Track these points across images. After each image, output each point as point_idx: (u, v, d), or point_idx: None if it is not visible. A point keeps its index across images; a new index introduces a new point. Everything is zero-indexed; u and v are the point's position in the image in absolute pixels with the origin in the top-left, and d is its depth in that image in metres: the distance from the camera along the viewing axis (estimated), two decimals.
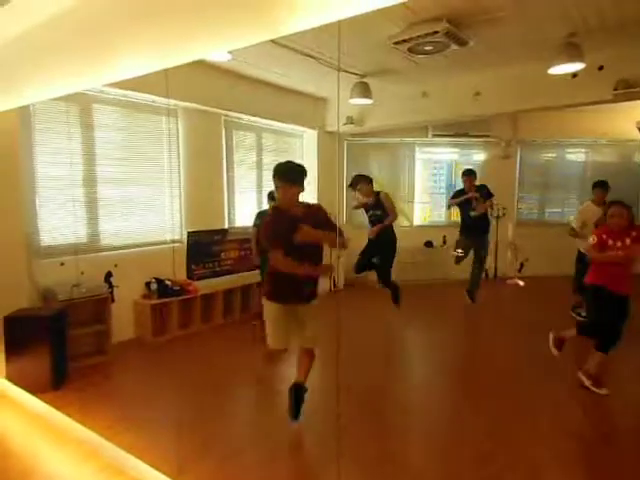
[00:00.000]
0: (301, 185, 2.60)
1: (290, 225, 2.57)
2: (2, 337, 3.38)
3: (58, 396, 3.27)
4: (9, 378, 3.41)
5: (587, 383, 3.35)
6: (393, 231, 5.12)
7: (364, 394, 3.46)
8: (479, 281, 5.76)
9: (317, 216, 2.72)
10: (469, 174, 5.59)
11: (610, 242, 3.26)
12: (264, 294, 2.88)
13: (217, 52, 2.61)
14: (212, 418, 3.07)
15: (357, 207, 5.34)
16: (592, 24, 3.78)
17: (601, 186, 4.95)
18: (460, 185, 5.79)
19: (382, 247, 5.10)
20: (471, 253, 5.72)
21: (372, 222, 5.10)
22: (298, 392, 2.89)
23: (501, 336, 4.94)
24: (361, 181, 4.89)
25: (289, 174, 2.56)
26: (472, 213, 5.52)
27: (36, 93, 2.88)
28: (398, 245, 5.17)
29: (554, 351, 3.60)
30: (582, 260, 4.67)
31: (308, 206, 2.76)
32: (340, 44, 3.91)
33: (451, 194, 6.05)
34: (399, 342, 4.87)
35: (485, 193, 5.56)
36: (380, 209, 5.00)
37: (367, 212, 5.12)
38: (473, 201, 5.49)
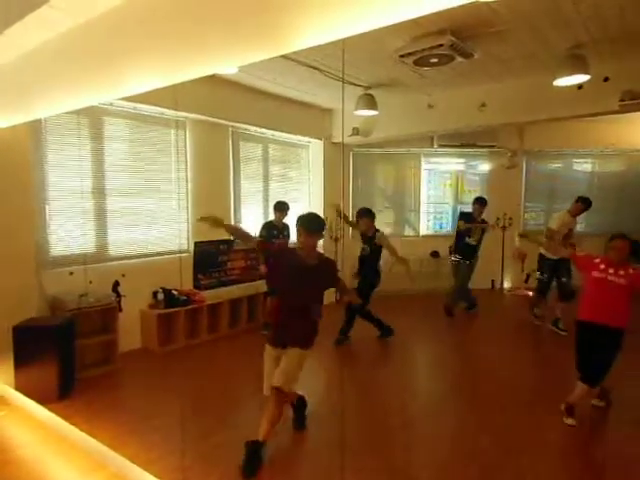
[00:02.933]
0: (321, 235, 2.77)
1: (304, 274, 2.70)
2: (11, 347, 3.41)
3: (65, 406, 3.29)
4: (17, 387, 3.44)
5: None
6: (373, 268, 4.85)
7: (367, 406, 3.44)
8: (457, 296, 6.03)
9: (327, 270, 2.86)
10: (482, 203, 5.80)
11: (602, 266, 3.13)
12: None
13: (225, 68, 2.66)
14: (218, 429, 3.07)
15: (353, 227, 5.24)
16: (596, 36, 3.80)
17: (583, 202, 5.22)
18: (463, 191, 5.91)
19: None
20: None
21: (361, 256, 4.90)
22: (254, 449, 2.60)
23: (506, 348, 4.90)
24: (365, 215, 4.87)
25: (313, 225, 2.70)
26: (470, 241, 5.80)
27: (47, 108, 2.95)
28: (403, 256, 5.02)
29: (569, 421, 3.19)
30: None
31: (323, 259, 2.87)
32: (345, 57, 3.97)
33: (458, 215, 6.22)
34: (403, 353, 4.84)
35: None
36: (369, 246, 4.78)
37: (363, 242, 4.91)
38: (472, 229, 5.78)
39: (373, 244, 4.78)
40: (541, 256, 5.40)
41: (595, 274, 3.14)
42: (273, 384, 2.67)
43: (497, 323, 5.91)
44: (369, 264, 4.84)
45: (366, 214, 4.85)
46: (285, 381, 2.66)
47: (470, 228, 5.76)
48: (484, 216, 5.90)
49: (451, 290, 6.05)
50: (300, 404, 3.08)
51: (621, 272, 3.05)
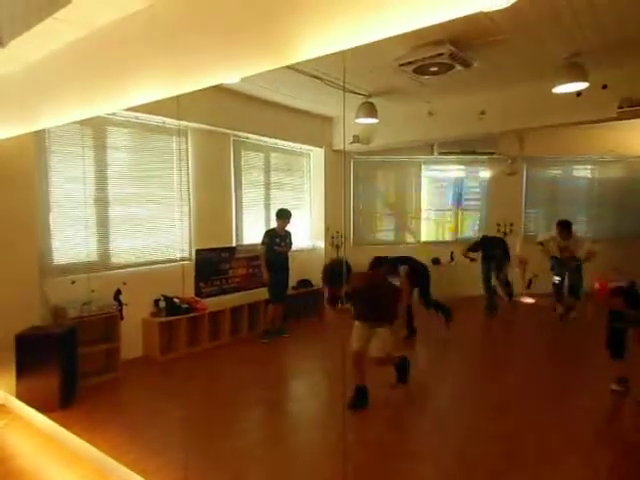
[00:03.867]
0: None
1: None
2: (13, 355, 3.42)
3: (67, 414, 3.28)
4: (19, 396, 3.43)
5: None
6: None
7: (372, 411, 3.43)
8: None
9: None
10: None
11: None
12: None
13: (228, 79, 2.69)
14: (221, 438, 3.06)
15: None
16: (594, 44, 3.83)
17: (564, 226, 5.90)
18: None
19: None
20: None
21: None
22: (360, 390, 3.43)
23: (507, 354, 4.89)
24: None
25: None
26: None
27: (51, 119, 2.98)
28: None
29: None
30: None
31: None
32: (346, 66, 4.00)
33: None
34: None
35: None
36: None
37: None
38: None
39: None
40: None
41: None
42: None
43: (500, 329, 5.89)
44: None
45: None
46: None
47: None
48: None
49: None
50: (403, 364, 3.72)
51: None
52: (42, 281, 3.83)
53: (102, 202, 4.38)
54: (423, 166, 7.67)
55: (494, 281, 6.37)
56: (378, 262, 5.26)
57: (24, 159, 3.59)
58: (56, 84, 2.77)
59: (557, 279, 6.03)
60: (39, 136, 3.78)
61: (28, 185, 3.64)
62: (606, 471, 2.68)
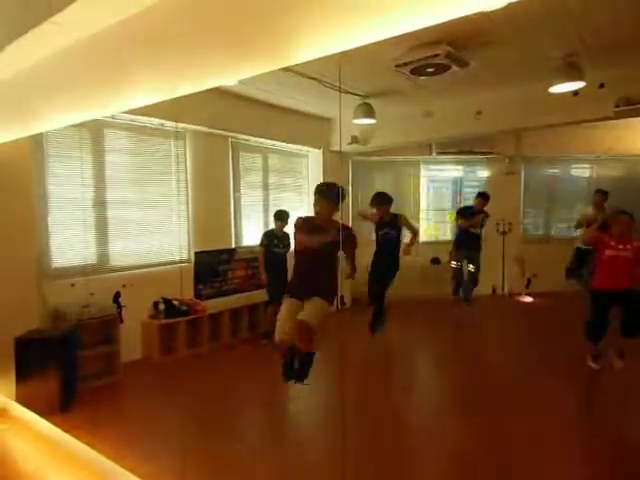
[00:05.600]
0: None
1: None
2: (12, 359, 3.41)
3: (67, 418, 3.28)
4: (19, 400, 3.43)
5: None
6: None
7: (369, 413, 3.43)
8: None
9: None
10: (485, 197, 6.11)
11: (612, 243, 3.75)
12: None
13: (226, 81, 2.70)
14: (221, 440, 3.06)
15: (366, 218, 5.30)
16: (591, 43, 3.84)
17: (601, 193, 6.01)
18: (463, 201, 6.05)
19: (389, 266, 5.00)
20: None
21: (385, 240, 4.96)
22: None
23: (507, 353, 4.89)
24: (383, 201, 4.93)
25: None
26: (475, 231, 6.08)
27: (48, 122, 2.97)
28: (403, 262, 5.13)
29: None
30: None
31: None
32: (342, 68, 4.01)
33: (458, 209, 6.48)
34: (406, 360, 4.83)
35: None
36: (396, 230, 4.93)
37: (379, 229, 4.99)
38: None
39: (396, 225, 4.94)
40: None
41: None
42: (298, 317, 2.81)
43: (499, 329, 5.90)
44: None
45: (384, 199, 4.93)
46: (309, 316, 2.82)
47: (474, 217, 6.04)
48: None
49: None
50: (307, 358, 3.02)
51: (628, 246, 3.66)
52: (41, 284, 3.83)
53: (101, 205, 4.38)
54: (422, 166, 7.68)
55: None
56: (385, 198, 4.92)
57: (21, 162, 3.59)
58: (53, 87, 2.77)
59: None
60: (37, 139, 3.78)
61: (26, 188, 3.64)
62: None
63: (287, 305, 2.96)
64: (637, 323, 3.62)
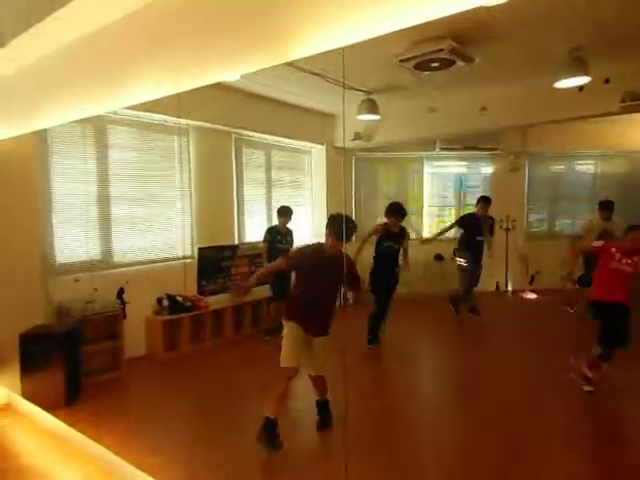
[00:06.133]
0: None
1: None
2: (17, 354, 3.44)
3: (71, 412, 3.30)
4: (24, 394, 3.45)
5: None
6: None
7: (372, 412, 3.43)
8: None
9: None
10: (488, 201, 5.82)
11: (617, 255, 3.50)
12: None
13: (228, 76, 2.69)
14: (225, 435, 3.07)
15: (372, 234, 4.91)
16: (596, 38, 3.81)
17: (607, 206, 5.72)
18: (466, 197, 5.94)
19: (394, 280, 4.87)
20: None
21: (387, 253, 4.78)
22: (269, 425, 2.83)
23: (509, 350, 4.88)
24: (400, 211, 4.75)
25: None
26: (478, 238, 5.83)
27: (52, 118, 2.98)
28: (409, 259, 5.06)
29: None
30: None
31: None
32: (346, 63, 3.99)
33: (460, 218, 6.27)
34: (408, 357, 4.82)
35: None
36: (398, 244, 4.80)
37: (383, 241, 4.78)
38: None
39: (400, 240, 4.79)
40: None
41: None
42: (318, 373, 2.98)
43: (503, 325, 5.89)
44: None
45: (399, 211, 4.74)
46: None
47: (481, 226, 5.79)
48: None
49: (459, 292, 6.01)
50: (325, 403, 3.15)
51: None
52: (45, 280, 3.85)
53: (104, 201, 4.39)
54: (425, 162, 7.65)
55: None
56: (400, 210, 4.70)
57: (25, 159, 3.60)
58: (57, 83, 2.77)
59: None
60: (40, 135, 3.78)
61: (29, 185, 3.65)
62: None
63: (295, 332, 2.91)
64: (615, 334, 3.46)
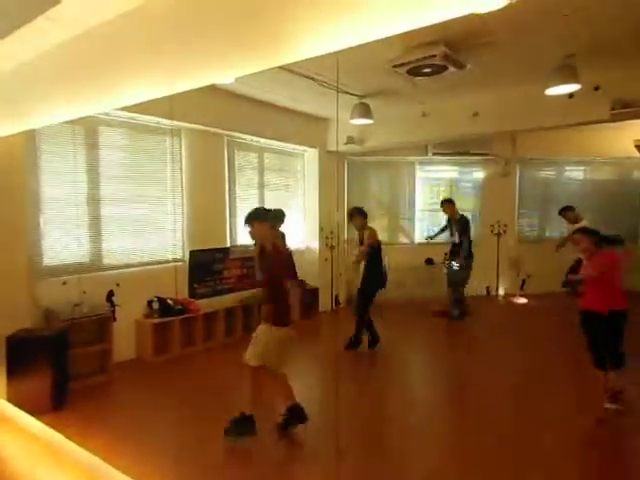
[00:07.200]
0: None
1: None
2: (4, 358, 3.38)
3: (58, 417, 3.25)
4: (10, 399, 3.39)
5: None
6: (368, 267, 4.90)
7: (365, 415, 3.43)
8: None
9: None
10: (450, 201, 6.29)
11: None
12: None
13: (222, 79, 2.68)
14: (214, 440, 3.04)
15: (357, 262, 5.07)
16: (586, 46, 3.86)
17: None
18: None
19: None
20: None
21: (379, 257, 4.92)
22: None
23: (501, 354, 4.91)
24: (356, 215, 4.98)
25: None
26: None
27: (41, 119, 2.95)
28: (398, 263, 5.10)
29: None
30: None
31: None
32: (339, 67, 4.01)
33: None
34: (400, 361, 4.83)
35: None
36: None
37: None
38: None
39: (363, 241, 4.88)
40: None
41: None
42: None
43: (494, 330, 5.92)
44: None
45: (357, 213, 4.97)
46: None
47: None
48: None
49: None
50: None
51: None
52: (32, 282, 3.79)
53: (94, 202, 4.34)
54: (417, 167, 7.69)
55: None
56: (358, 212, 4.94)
57: (13, 159, 3.54)
58: (47, 83, 2.74)
59: None
60: (29, 136, 3.73)
61: (17, 185, 3.60)
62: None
63: (288, 337, 3.16)
64: None
